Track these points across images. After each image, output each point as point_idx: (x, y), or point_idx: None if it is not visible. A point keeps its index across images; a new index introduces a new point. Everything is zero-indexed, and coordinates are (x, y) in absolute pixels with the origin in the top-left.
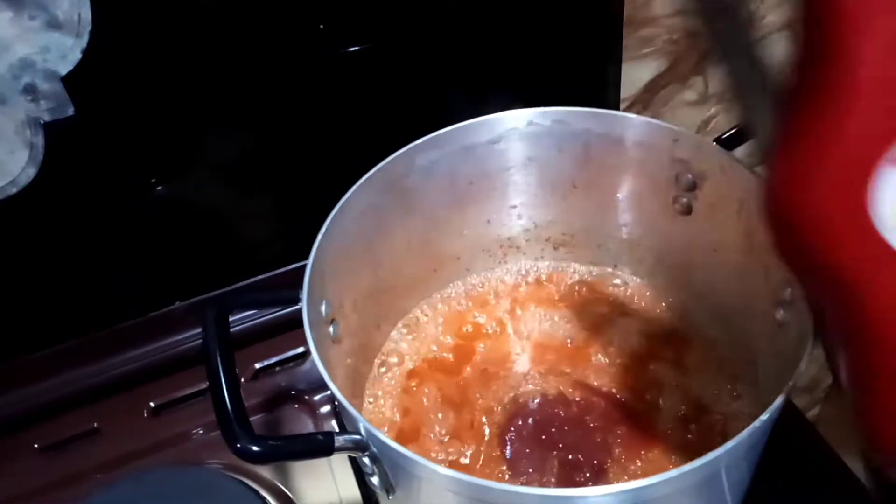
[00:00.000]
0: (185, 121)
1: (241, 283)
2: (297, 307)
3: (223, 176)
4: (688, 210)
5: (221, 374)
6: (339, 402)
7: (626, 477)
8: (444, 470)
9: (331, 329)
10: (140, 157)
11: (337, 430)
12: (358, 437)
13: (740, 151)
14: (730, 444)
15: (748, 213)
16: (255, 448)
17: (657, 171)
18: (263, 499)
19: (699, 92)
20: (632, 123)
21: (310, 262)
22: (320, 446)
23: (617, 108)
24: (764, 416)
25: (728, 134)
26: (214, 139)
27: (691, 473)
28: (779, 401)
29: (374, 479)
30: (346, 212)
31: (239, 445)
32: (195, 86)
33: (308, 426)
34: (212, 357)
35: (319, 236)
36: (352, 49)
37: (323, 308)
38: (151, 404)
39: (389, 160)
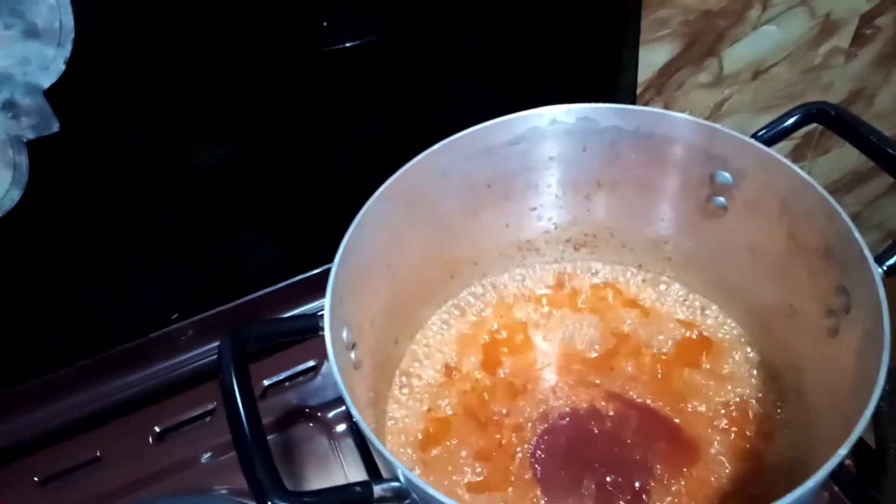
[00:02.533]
0: (180, 130)
1: (245, 298)
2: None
3: (223, 186)
4: (723, 209)
5: (245, 425)
6: (376, 449)
7: (669, 498)
8: None
9: (352, 355)
10: (132, 171)
11: (357, 452)
12: (397, 483)
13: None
14: (808, 485)
15: (791, 214)
16: None
17: (690, 169)
18: None
19: (714, 73)
20: (665, 120)
21: (329, 288)
22: (359, 498)
23: (634, 94)
24: (842, 451)
25: (765, 130)
26: (214, 148)
27: None
28: (855, 434)
29: None
30: (363, 229)
31: None
32: (190, 94)
33: (323, 446)
34: (233, 405)
35: (337, 260)
36: (356, 43)
37: (344, 335)
38: (156, 429)
39: (406, 169)
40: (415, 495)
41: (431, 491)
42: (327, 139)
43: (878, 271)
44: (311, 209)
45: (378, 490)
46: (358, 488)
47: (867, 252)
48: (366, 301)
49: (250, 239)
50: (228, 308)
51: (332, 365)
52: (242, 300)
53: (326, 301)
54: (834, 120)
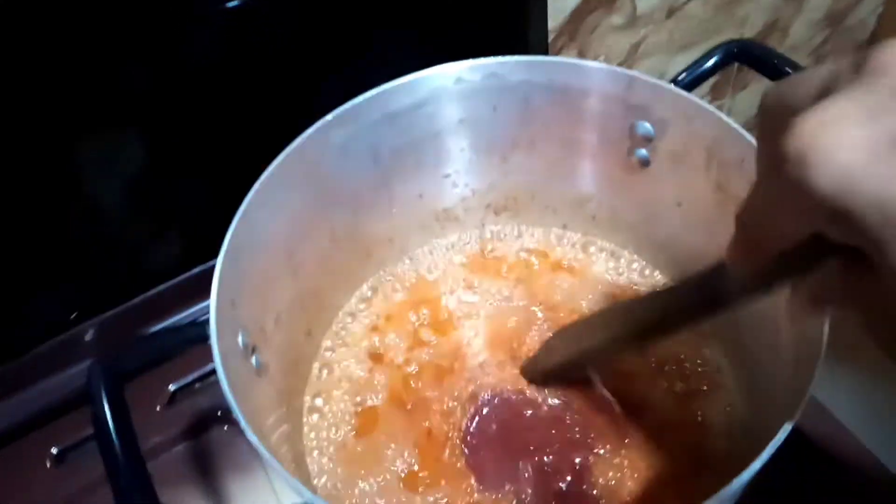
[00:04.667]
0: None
1: (152, 291)
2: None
3: (110, 175)
4: (646, 162)
5: (125, 472)
6: (277, 474)
7: (611, 473)
8: None
9: (253, 360)
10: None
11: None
12: None
13: (699, 93)
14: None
15: (720, 164)
16: None
17: (609, 121)
18: None
19: (627, 14)
20: (578, 70)
21: (214, 289)
22: None
23: (546, 43)
24: (787, 426)
25: (685, 74)
26: (83, 125)
27: None
28: (788, 426)
29: None
30: (252, 216)
31: None
32: (62, 80)
33: (243, 451)
34: (110, 447)
35: (221, 258)
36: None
37: (240, 339)
38: (54, 451)
39: (296, 145)
40: None
41: None
42: (225, 111)
43: None
44: (207, 193)
45: None
46: None
47: None
48: (267, 297)
49: (150, 228)
50: (133, 305)
51: (221, 381)
52: (149, 293)
53: (212, 307)
54: (754, 58)
